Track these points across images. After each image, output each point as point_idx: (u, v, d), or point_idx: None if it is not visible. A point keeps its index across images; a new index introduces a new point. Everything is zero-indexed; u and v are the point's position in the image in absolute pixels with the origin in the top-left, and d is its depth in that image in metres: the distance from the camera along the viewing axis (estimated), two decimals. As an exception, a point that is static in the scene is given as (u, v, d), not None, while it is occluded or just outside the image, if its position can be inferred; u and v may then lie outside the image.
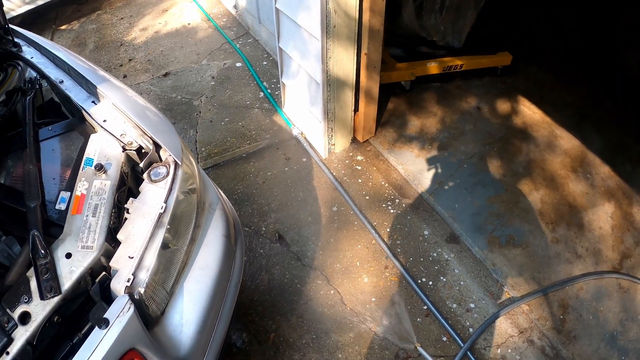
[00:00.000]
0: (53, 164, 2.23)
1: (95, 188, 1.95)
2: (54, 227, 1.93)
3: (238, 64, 5.20)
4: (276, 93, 4.65)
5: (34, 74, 2.89)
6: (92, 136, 2.21)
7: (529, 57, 5.26)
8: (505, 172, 3.93)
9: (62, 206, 1.98)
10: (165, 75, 5.18)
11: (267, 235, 3.45)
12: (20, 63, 3.01)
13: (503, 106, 4.62)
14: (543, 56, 5.38)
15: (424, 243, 3.42)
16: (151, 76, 5.18)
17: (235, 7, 6.09)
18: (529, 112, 4.56)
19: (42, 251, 1.75)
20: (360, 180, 3.80)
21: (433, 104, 4.57)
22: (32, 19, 6.78)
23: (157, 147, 2.12)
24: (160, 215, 1.87)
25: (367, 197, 3.68)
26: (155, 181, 2.00)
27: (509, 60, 4.88)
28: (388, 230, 3.49)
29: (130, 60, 5.58)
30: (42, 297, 1.66)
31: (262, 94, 4.72)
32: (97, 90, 2.37)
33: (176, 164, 2.04)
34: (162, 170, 2.04)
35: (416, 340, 2.94)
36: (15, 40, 3.13)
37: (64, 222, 1.86)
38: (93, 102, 2.41)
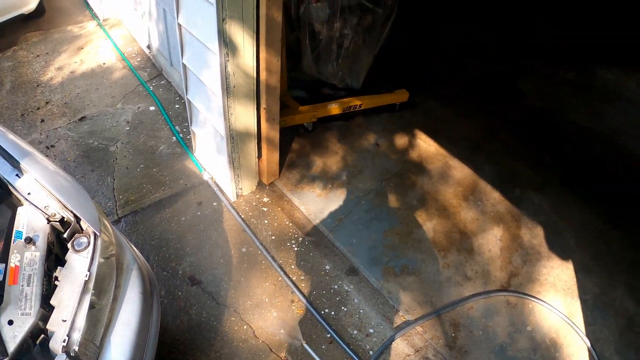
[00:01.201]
0: None
1: (27, 259, 2.24)
2: None
3: (152, 108, 5.42)
4: (188, 137, 4.90)
5: None
6: (19, 209, 2.47)
7: (427, 92, 5.74)
8: (400, 205, 4.35)
9: None
10: (82, 119, 5.31)
11: (183, 278, 3.73)
12: None
13: (400, 141, 5.05)
14: (441, 90, 5.87)
15: (326, 277, 3.79)
16: (68, 121, 5.31)
17: (148, 47, 6.29)
18: (425, 145, 5.00)
19: None
20: (266, 221, 4.14)
21: (334, 143, 4.95)
22: (-58, 54, 6.76)
23: (78, 218, 2.41)
24: (86, 282, 2.19)
25: (273, 237, 4.03)
26: (78, 251, 2.31)
27: (406, 96, 5.33)
28: (293, 267, 3.84)
29: (47, 102, 5.66)
30: (-10, 360, 1.97)
31: (174, 138, 4.97)
32: (20, 165, 2.62)
33: (95, 234, 2.34)
34: (84, 240, 2.34)
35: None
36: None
37: (3, 292, 2.14)
38: (17, 175, 2.64)
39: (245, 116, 3.74)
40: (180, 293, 3.65)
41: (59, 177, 2.74)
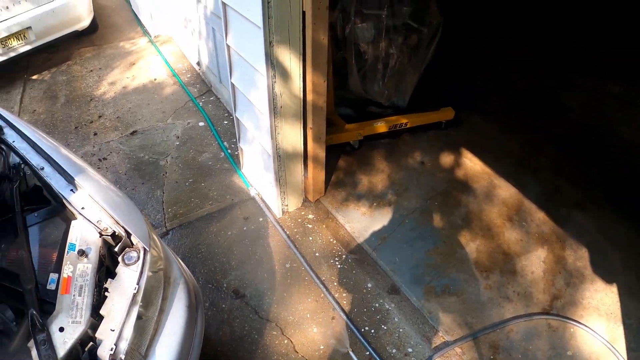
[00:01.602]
0: (41, 247, 2.61)
1: (79, 271, 2.34)
2: (47, 304, 2.31)
3: (201, 123, 5.54)
4: (236, 153, 4.98)
5: (17, 159, 3.20)
6: (73, 223, 2.57)
7: (472, 108, 5.69)
8: (445, 224, 4.33)
9: (53, 286, 2.37)
10: (133, 133, 5.47)
11: (228, 291, 3.80)
12: (4, 147, 3.31)
13: (446, 159, 5.04)
14: (485, 106, 5.81)
15: (368, 295, 3.79)
16: (120, 134, 5.47)
17: (198, 64, 6.42)
18: (470, 163, 4.97)
19: (40, 327, 2.14)
20: (310, 238, 4.19)
21: (380, 161, 4.97)
22: (4, 68, 6.97)
23: (129, 233, 2.50)
24: (134, 295, 2.27)
25: (317, 254, 4.06)
26: (128, 264, 2.39)
27: (452, 114, 5.32)
28: (335, 284, 3.86)
29: (100, 116, 5.83)
30: (42, 365, 2.07)
31: (222, 154, 5.07)
32: (75, 181, 2.74)
33: (145, 249, 2.43)
34: (134, 254, 2.43)
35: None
36: (-2, 122, 3.44)
37: (56, 301, 2.25)
38: (72, 190, 2.76)
39: (292, 135, 3.80)
40: (224, 305, 3.72)
41: (111, 192, 2.86)
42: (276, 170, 3.91)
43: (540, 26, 7.16)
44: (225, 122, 5.55)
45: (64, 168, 2.86)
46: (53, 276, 2.40)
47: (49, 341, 2.10)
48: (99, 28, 8.19)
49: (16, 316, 2.45)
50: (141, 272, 2.35)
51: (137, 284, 2.30)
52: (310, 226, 4.31)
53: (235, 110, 4.17)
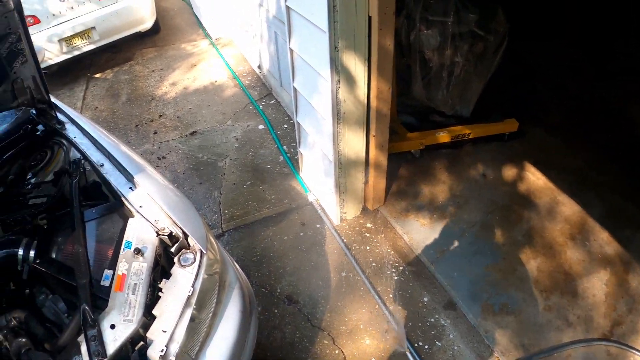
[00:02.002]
0: (97, 243, 2.59)
1: (134, 269, 2.31)
2: (99, 300, 2.29)
3: (260, 126, 5.54)
4: (295, 157, 4.94)
5: (77, 154, 3.22)
6: (130, 220, 2.57)
7: (534, 120, 5.49)
8: (505, 240, 4.18)
9: (106, 283, 2.34)
10: (193, 134, 5.51)
11: (281, 297, 3.75)
12: (65, 142, 3.34)
13: (508, 173, 4.87)
14: (548, 118, 5.62)
15: (423, 309, 3.67)
16: (180, 134, 5.51)
17: (259, 67, 6.43)
18: (533, 178, 4.80)
19: (91, 322, 2.12)
20: (368, 247, 4.09)
21: (442, 172, 4.85)
22: (68, 66, 7.13)
23: (186, 234, 2.47)
24: (189, 297, 2.22)
25: (374, 264, 3.97)
26: (184, 266, 2.35)
27: (516, 126, 5.15)
28: (391, 296, 3.75)
29: (160, 116, 5.90)
30: (91, 360, 2.05)
31: (281, 157, 5.04)
32: (134, 179, 2.74)
33: (202, 252, 2.39)
34: (190, 256, 2.39)
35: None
36: (59, 117, 3.47)
37: (108, 297, 2.23)
38: (130, 188, 2.75)
39: (355, 142, 3.72)
40: (276, 311, 3.66)
41: (170, 192, 2.84)
42: (337, 177, 3.84)
43: (587, 28, 6.90)
44: (285, 126, 5.53)
45: (124, 166, 2.86)
46: (107, 273, 2.38)
47: (99, 337, 2.08)
48: (161, 30, 8.33)
49: (69, 309, 2.44)
50: (197, 275, 2.31)
51: (192, 286, 2.26)
52: (368, 235, 4.21)
53: (296, 115, 4.13)
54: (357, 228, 4.27)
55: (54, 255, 2.55)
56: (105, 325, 2.12)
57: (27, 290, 2.54)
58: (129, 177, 2.80)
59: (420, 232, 4.23)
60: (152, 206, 2.62)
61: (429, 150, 4.98)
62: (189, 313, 2.19)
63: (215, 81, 6.54)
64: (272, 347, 3.45)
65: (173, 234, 2.52)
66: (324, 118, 3.57)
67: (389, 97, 3.62)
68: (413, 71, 4.85)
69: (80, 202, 2.75)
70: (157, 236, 2.49)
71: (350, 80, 3.35)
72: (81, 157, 3.16)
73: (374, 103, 3.57)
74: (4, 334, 2.26)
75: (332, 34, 3.08)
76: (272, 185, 4.74)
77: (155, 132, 5.58)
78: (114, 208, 2.76)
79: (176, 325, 2.15)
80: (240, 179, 4.83)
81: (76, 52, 7.19)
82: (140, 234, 2.49)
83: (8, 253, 2.48)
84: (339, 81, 3.31)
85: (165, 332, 2.12)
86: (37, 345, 2.21)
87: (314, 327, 3.58)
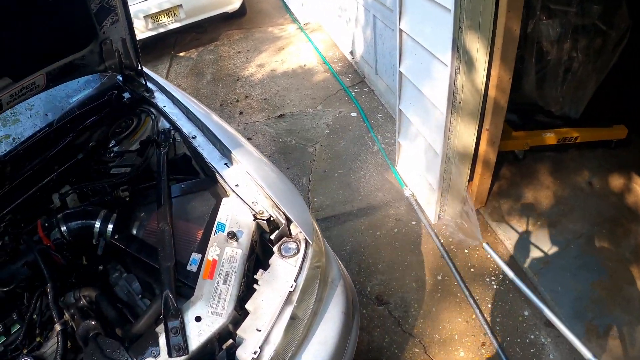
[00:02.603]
0: (185, 222, 2.35)
1: (226, 255, 2.07)
2: (184, 287, 2.07)
3: (353, 114, 5.28)
4: (390, 149, 4.68)
5: (166, 124, 3.01)
6: (224, 200, 2.33)
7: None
8: (611, 255, 3.78)
9: (193, 268, 2.10)
10: (281, 116, 5.32)
11: (371, 296, 3.50)
12: (153, 111, 3.14)
13: (615, 182, 4.46)
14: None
15: (523, 324, 3.34)
16: (267, 116, 5.33)
17: (351, 53, 6.19)
18: (643, 191, 4.39)
19: (173, 312, 1.89)
20: (466, 251, 3.78)
21: (545, 176, 4.48)
22: (153, 43, 7.11)
23: (289, 220, 2.20)
24: (290, 293, 1.96)
25: (472, 270, 3.65)
26: (285, 256, 2.09)
27: (625, 133, 4.73)
28: (489, 306, 3.44)
29: (246, 96, 5.75)
30: (170, 355, 1.80)
31: (375, 147, 4.77)
32: (232, 155, 2.49)
33: (307, 242, 2.12)
34: (292, 246, 2.12)
35: None
36: (148, 85, 3.28)
37: (195, 285, 2.00)
38: (226, 164, 2.52)
39: (466, 136, 3.40)
40: (365, 311, 3.41)
41: (271, 172, 2.57)
42: (441, 172, 3.54)
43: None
44: (379, 115, 5.25)
45: (220, 139, 2.62)
46: (195, 256, 2.15)
47: (182, 330, 1.85)
48: (248, 13, 8.25)
49: (143, 290, 2.24)
50: (300, 268, 2.04)
51: (295, 281, 1.99)
52: (466, 237, 3.88)
53: (399, 102, 3.84)
54: (455, 229, 3.94)
55: (134, 232, 2.34)
56: (189, 316, 1.89)
57: (101, 267, 2.34)
58: (225, 152, 2.57)
59: (522, 239, 3.88)
60: (249, 186, 2.38)
61: (532, 151, 4.60)
62: (289, 312, 1.92)
63: (305, 65, 6.33)
64: (359, 349, 3.14)
65: (272, 218, 2.26)
66: (436, 106, 3.27)
67: (508, 88, 3.28)
68: (527, 64, 4.47)
69: (168, 176, 2.55)
70: (254, 220, 2.24)
71: (470, 66, 3.03)
72: (171, 128, 2.97)
73: (492, 93, 3.23)
74: (71, 313, 2.05)
75: (457, 12, 2.78)
76: (365, 176, 4.48)
77: (240, 113, 5.42)
78: (206, 185, 2.54)
79: (273, 324, 1.88)
80: (330, 166, 4.59)
81: (161, 30, 7.20)
82: (235, 216, 2.24)
83: (83, 225, 2.29)
84: (458, 66, 3.00)
85: (259, 331, 1.86)
86: (107, 329, 1.98)
87: (405, 332, 3.30)
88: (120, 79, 3.39)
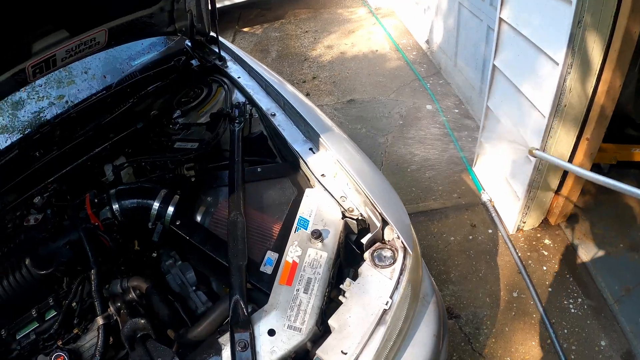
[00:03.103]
0: (260, 212, 2.07)
1: (309, 258, 1.77)
2: (255, 291, 1.78)
3: (428, 106, 4.98)
4: (467, 147, 4.38)
5: (240, 97, 2.73)
6: (308, 191, 2.04)
7: None
8: (703, 290, 3.46)
9: (268, 269, 1.82)
10: (350, 102, 5.06)
11: (440, 307, 3.22)
12: (227, 81, 2.86)
13: None
14: None
15: (599, 355, 3.05)
16: (335, 100, 5.08)
17: (427, 42, 5.87)
18: None
19: (242, 321, 1.61)
20: (544, 268, 3.47)
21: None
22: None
23: (385, 222, 1.89)
24: (384, 311, 1.65)
25: (550, 289, 3.35)
26: (379, 266, 1.78)
27: None
28: (565, 331, 3.13)
29: (314, 78, 5.52)
30: (235, 374, 1.53)
31: (451, 145, 4.47)
32: (320, 139, 2.19)
33: (405, 250, 1.81)
34: (388, 254, 1.81)
35: None
36: (221, 53, 3.01)
37: (270, 290, 1.71)
38: (311, 149, 2.22)
39: (564, 143, 3.08)
40: (432, 323, 3.12)
41: (365, 164, 2.24)
42: (530, 180, 3.23)
43: None
44: (456, 111, 4.92)
45: (305, 119, 2.33)
46: (271, 255, 1.86)
47: (251, 344, 1.56)
48: (316, -8, 7.96)
49: (199, 282, 1.96)
50: (397, 282, 1.72)
51: (391, 297, 1.68)
52: (545, 253, 3.58)
53: (488, 98, 3.53)
54: (534, 242, 3.64)
55: (198, 218, 2.07)
56: (261, 329, 1.60)
57: (155, 254, 2.08)
58: (310, 135, 2.27)
59: (605, 261, 3.55)
60: (338, 177, 2.08)
61: (618, 166, 4.24)
62: (381, 333, 1.60)
63: (376, 51, 6.05)
64: (424, 364, 2.91)
65: (363, 218, 1.96)
66: (536, 107, 2.96)
67: (617, 96, 2.96)
68: (630, 72, 4.09)
69: (242, 156, 2.27)
70: (342, 218, 1.94)
71: (584, 67, 2.71)
72: (246, 101, 2.69)
73: (599, 99, 2.91)
74: (117, 306, 1.78)
75: (579, 4, 2.46)
76: (440, 174, 4.19)
77: (307, 94, 5.18)
78: (287, 171, 2.25)
79: (363, 347, 1.57)
80: (403, 160, 4.32)
81: (227, 2, 7.10)
82: (321, 211, 1.95)
83: (139, 204, 2.04)
84: (571, 65, 2.68)
85: (345, 354, 1.55)
86: (157, 330, 1.71)
87: (475, 351, 3.03)
88: (190, 44, 3.14)
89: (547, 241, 3.64)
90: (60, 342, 1.73)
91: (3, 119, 2.84)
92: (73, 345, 1.73)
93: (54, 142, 2.44)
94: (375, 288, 1.71)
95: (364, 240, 1.85)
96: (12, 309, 1.86)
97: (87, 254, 1.85)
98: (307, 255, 1.77)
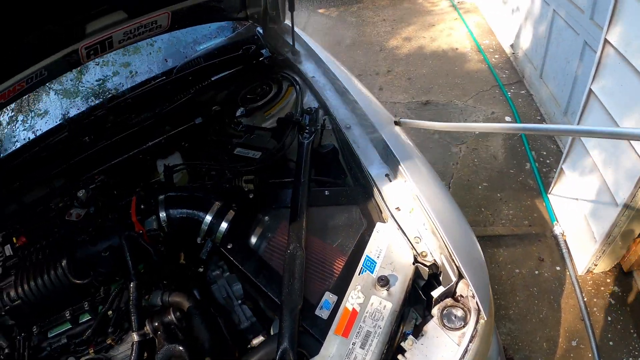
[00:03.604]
0: (322, 242, 1.86)
1: (371, 307, 1.56)
2: (306, 335, 1.59)
3: (507, 118, 4.68)
4: (544, 170, 4.09)
5: (312, 101, 2.49)
6: (379, 226, 1.81)
7: None
8: None
9: (324, 314, 1.62)
10: (426, 103, 4.82)
11: (494, 345, 2.99)
12: (299, 80, 2.62)
13: None
14: None
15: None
16: (410, 99, 4.83)
17: (512, 46, 5.54)
18: None
19: None
20: (609, 319, 3.19)
21: None
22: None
23: (460, 275, 1.66)
24: (451, 383, 1.44)
25: (611, 343, 3.07)
26: (447, 327, 1.55)
27: None
28: (622, 394, 2.88)
29: (388, 71, 5.27)
30: None
31: (528, 165, 4.17)
32: (398, 166, 1.94)
33: (479, 314, 1.58)
34: (459, 314, 1.58)
35: None
36: (296, 46, 2.78)
37: (322, 338, 1.52)
38: (387, 175, 1.97)
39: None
40: (484, 363, 2.90)
41: (447, 201, 1.98)
42: (613, 222, 2.93)
43: None
44: (536, 127, 4.55)
45: (385, 139, 2.07)
46: (329, 298, 1.66)
47: None
48: (398, -21, 7.64)
49: (246, 297, 1.79)
50: (465, 351, 1.50)
51: None
52: (612, 302, 3.28)
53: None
54: (602, 288, 3.35)
55: (253, 241, 1.86)
56: None
57: (201, 269, 1.88)
58: (388, 158, 2.01)
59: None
60: (415, 214, 1.82)
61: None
62: None
63: (456, 49, 5.73)
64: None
65: (437, 265, 1.73)
66: (635, 149, 2.66)
67: None
68: None
69: (310, 176, 2.04)
70: (413, 263, 1.71)
71: None
72: (319, 107, 2.44)
73: None
74: (154, 326, 1.63)
75: None
76: (512, 197, 3.91)
77: (380, 89, 4.94)
78: (357, 198, 1.99)
79: None
80: (475, 176, 4.06)
81: None
82: (391, 252, 1.72)
83: (189, 216, 1.86)
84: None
85: None
86: (194, 357, 1.56)
87: (523, 399, 2.80)
88: (261, 32, 2.91)
89: (616, 288, 3.34)
90: (92, 350, 1.65)
91: (66, 83, 2.73)
92: (105, 354, 1.65)
93: (106, 129, 2.31)
94: (440, 353, 1.50)
95: (435, 294, 1.62)
96: (45, 307, 1.78)
97: (127, 264, 1.73)
98: (369, 304, 1.57)
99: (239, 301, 1.78)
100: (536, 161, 4.19)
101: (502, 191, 3.96)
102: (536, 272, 3.41)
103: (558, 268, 3.44)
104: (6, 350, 1.79)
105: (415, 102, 4.80)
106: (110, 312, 1.72)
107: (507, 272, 3.39)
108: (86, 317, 1.75)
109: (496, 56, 5.59)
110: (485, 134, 4.46)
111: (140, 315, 1.63)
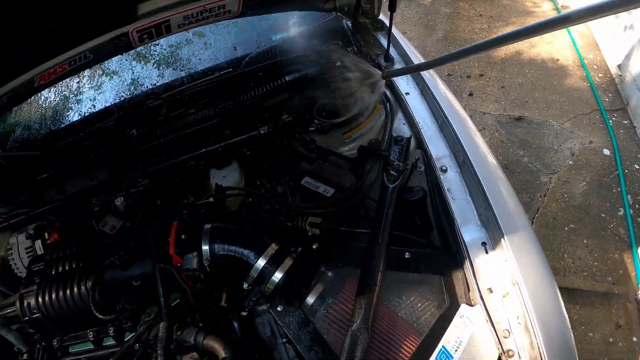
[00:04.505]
0: (392, 315, 1.56)
1: None
2: None
3: (606, 151, 4.20)
4: (639, 219, 3.65)
5: (405, 130, 2.11)
6: (463, 309, 1.52)
7: None
8: None
9: None
10: (519, 119, 4.44)
11: None
12: (390, 97, 2.24)
13: None
14: None
15: None
16: (501, 110, 4.46)
17: (619, 67, 5.02)
18: None
19: None
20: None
21: None
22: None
23: None
24: None
25: None
26: None
27: None
28: None
29: (481, 75, 4.91)
30: None
31: (622, 211, 3.74)
32: (501, 238, 1.59)
33: None
34: None
35: None
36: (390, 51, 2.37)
37: None
38: (484, 244, 1.63)
39: None
40: None
41: (548, 286, 1.57)
42: None
43: None
44: (636, 167, 4.10)
45: (489, 198, 1.69)
46: None
47: None
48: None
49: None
50: None
51: None
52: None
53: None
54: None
55: (310, 302, 1.59)
56: None
57: (245, 313, 1.63)
58: (490, 224, 1.65)
59: None
60: (510, 299, 1.49)
61: None
62: None
63: (557, 60, 5.27)
64: None
65: None
66: None
67: None
68: None
69: (391, 232, 1.71)
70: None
71: None
72: (411, 136, 2.06)
73: None
74: None
75: None
76: (600, 246, 3.51)
77: (470, 94, 4.58)
78: (443, 268, 1.65)
79: None
80: (563, 214, 3.68)
81: None
82: (472, 346, 1.44)
83: (237, 255, 1.57)
84: None
85: None
86: None
87: None
88: (350, 26, 2.55)
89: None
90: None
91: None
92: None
93: (156, 125, 2.10)
94: None
95: None
96: (65, 324, 1.64)
97: (159, 300, 1.53)
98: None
99: (284, 340, 1.57)
100: (631, 207, 3.77)
101: (589, 238, 3.57)
102: (610, 339, 3.06)
103: (635, 339, 3.07)
104: (25, 356, 1.70)
105: (507, 116, 4.42)
106: (137, 346, 1.54)
107: (580, 334, 3.06)
108: (110, 342, 1.62)
109: (600, 75, 5.09)
110: (581, 165, 4.05)
111: (169, 357, 1.45)
